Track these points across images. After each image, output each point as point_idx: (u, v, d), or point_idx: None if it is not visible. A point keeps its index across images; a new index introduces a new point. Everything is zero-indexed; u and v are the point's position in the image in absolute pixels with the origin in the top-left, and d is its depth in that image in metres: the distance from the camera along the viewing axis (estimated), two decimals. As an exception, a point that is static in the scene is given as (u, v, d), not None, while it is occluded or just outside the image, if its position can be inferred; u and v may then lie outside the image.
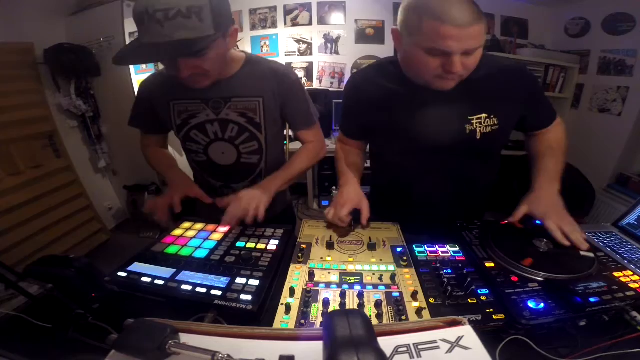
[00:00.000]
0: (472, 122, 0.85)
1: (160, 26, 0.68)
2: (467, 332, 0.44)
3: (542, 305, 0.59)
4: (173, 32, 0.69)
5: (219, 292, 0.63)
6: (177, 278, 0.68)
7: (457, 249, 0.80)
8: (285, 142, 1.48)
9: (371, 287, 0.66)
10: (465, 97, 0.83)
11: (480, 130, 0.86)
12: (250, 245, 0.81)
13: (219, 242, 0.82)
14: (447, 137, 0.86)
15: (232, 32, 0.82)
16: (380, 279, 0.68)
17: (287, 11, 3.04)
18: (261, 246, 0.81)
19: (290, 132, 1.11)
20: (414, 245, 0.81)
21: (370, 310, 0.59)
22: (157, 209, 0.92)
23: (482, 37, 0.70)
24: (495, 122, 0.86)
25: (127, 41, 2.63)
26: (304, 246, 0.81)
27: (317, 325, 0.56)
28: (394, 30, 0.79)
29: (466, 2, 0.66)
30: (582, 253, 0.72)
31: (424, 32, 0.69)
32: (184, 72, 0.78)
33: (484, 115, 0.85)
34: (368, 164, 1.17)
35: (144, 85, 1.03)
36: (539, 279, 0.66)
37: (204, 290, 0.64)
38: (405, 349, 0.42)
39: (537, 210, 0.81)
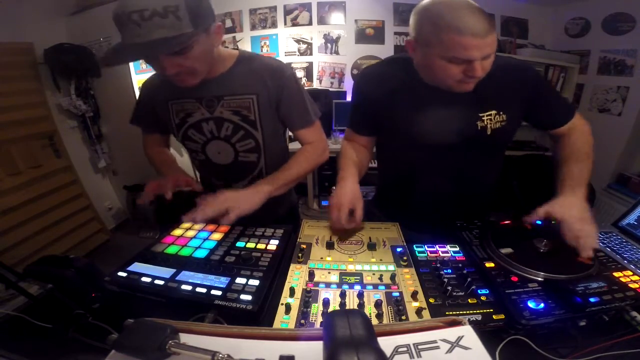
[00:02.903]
0: (483, 118, 0.87)
1: (138, 27, 0.70)
2: (467, 332, 0.44)
3: (542, 305, 0.59)
4: (151, 32, 0.70)
5: (219, 292, 0.63)
6: (177, 278, 0.67)
7: (457, 249, 0.80)
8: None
9: (371, 287, 0.66)
10: (476, 94, 0.84)
11: (490, 127, 0.88)
12: (250, 245, 0.81)
13: (219, 242, 0.82)
14: (458, 133, 0.88)
15: (215, 29, 0.83)
16: (380, 279, 0.68)
17: (287, 11, 3.04)
18: (261, 246, 0.81)
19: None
20: (414, 245, 0.81)
21: (370, 310, 0.59)
22: (148, 190, 0.92)
23: (496, 43, 0.74)
24: (504, 118, 0.88)
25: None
26: (304, 246, 0.81)
27: (317, 325, 0.56)
28: (408, 41, 0.83)
29: (479, 13, 0.70)
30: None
31: (444, 44, 0.72)
32: (168, 70, 0.79)
33: (493, 112, 0.87)
34: (373, 164, 1.17)
35: (144, 86, 1.05)
36: (539, 279, 0.66)
37: (204, 290, 0.64)
38: (405, 349, 0.42)
39: (559, 211, 0.78)
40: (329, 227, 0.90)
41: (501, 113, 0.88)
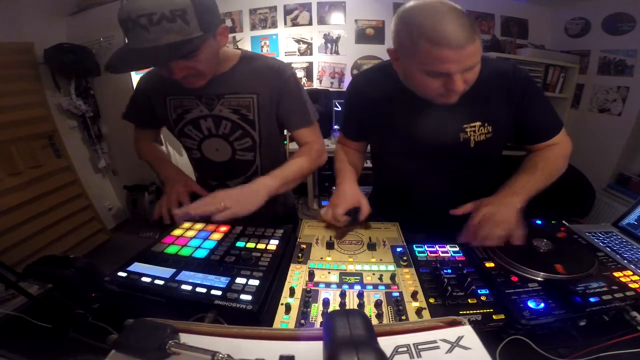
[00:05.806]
0: (466, 130, 0.84)
1: (146, 31, 0.68)
2: (467, 332, 0.44)
3: (542, 305, 0.59)
4: (159, 37, 0.69)
5: (219, 292, 0.63)
6: (177, 278, 0.67)
7: (457, 249, 0.80)
8: (285, 142, 1.48)
9: (371, 287, 0.66)
10: (461, 104, 0.80)
11: (473, 139, 0.85)
12: (250, 245, 0.81)
13: (219, 242, 0.82)
14: (442, 143, 0.86)
15: (221, 31, 0.82)
16: (380, 279, 0.68)
17: (287, 11, 3.04)
18: (261, 246, 0.81)
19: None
20: (414, 245, 0.81)
21: (370, 310, 0.59)
22: (168, 210, 0.90)
23: (479, 53, 0.67)
24: (490, 130, 0.84)
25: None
26: (304, 246, 0.81)
27: (317, 325, 0.56)
28: (390, 50, 0.77)
29: (460, 20, 0.63)
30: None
31: (420, 55, 0.67)
32: (177, 74, 0.78)
33: (478, 123, 0.84)
34: (368, 164, 1.17)
35: (142, 80, 1.04)
36: (539, 279, 0.66)
37: (204, 290, 0.64)
38: (405, 349, 0.42)
39: (483, 204, 0.77)
40: (328, 226, 0.89)
41: (486, 125, 0.83)
